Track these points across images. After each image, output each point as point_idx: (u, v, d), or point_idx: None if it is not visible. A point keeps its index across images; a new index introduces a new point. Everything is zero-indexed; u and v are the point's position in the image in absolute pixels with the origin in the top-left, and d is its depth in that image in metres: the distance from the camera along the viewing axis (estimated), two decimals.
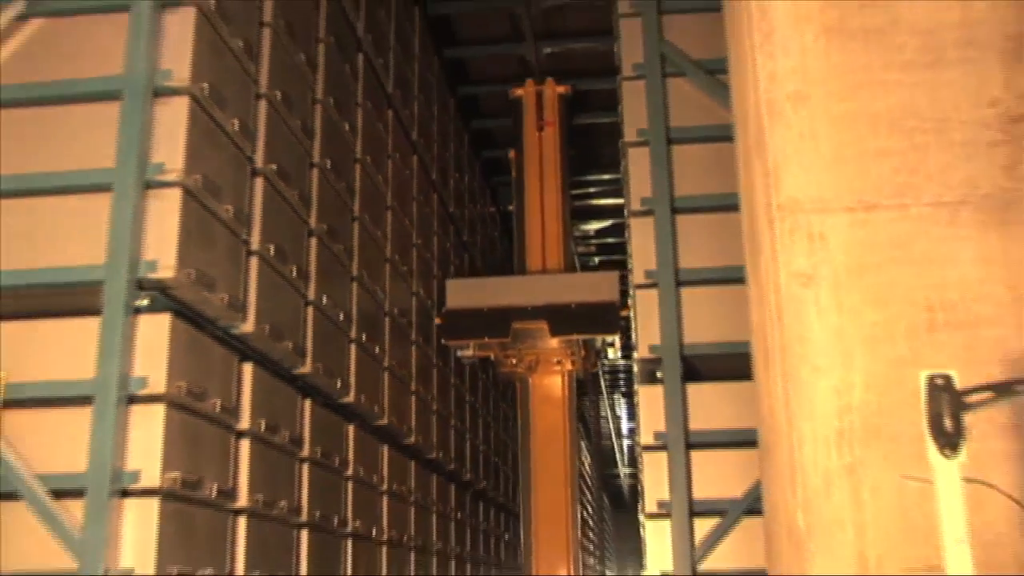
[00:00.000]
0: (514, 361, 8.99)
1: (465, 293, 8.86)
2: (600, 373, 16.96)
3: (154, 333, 4.27)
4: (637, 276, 5.58)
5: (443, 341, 8.89)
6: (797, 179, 3.48)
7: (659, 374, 5.39)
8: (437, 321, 8.90)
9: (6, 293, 4.35)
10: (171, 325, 4.30)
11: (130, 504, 4.11)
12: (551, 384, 9.54)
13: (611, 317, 8.60)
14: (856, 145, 3.47)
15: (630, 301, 6.21)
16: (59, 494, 4.09)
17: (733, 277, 4.56)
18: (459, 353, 9.19)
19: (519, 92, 10.33)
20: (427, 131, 9.30)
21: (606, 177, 11.93)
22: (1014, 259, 3.30)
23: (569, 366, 9.34)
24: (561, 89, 10.20)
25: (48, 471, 4.13)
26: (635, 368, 5.82)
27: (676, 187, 5.60)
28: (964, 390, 2.77)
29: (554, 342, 9.55)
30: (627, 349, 6.79)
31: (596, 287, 8.60)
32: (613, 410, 19.04)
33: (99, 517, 4.00)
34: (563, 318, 8.57)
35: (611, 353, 10.03)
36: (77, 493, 4.06)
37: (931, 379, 2.79)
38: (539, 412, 9.44)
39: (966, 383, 2.79)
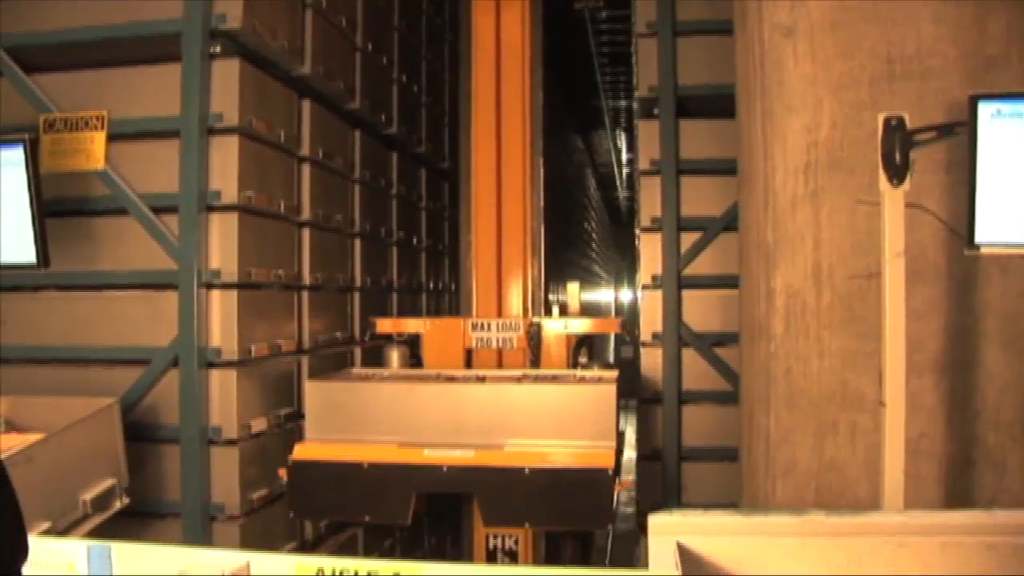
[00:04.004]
0: None
1: (335, 423, 4.10)
2: (604, 110, 16.33)
3: (227, 75, 4.24)
4: (640, 27, 5.44)
5: (291, 515, 4.24)
6: None
7: (656, 111, 5.35)
8: (281, 474, 4.05)
9: (104, 44, 4.29)
10: (240, 68, 4.26)
11: (214, 217, 4.23)
12: None
13: (599, 496, 3.75)
14: None
15: (640, 294, 5.44)
16: (158, 210, 4.22)
17: (722, 28, 4.46)
18: None
19: None
20: None
21: None
22: (963, 21, 3.23)
23: None
24: None
25: (148, 191, 4.24)
26: (635, 106, 5.78)
27: None
28: (913, 130, 2.80)
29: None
30: (629, 90, 6.39)
31: (576, 413, 3.92)
32: (614, 142, 18.75)
33: (191, 228, 4.14)
34: (510, 495, 3.85)
35: None
36: (172, 209, 4.19)
37: (887, 120, 2.81)
38: None
39: (915, 125, 2.81)
